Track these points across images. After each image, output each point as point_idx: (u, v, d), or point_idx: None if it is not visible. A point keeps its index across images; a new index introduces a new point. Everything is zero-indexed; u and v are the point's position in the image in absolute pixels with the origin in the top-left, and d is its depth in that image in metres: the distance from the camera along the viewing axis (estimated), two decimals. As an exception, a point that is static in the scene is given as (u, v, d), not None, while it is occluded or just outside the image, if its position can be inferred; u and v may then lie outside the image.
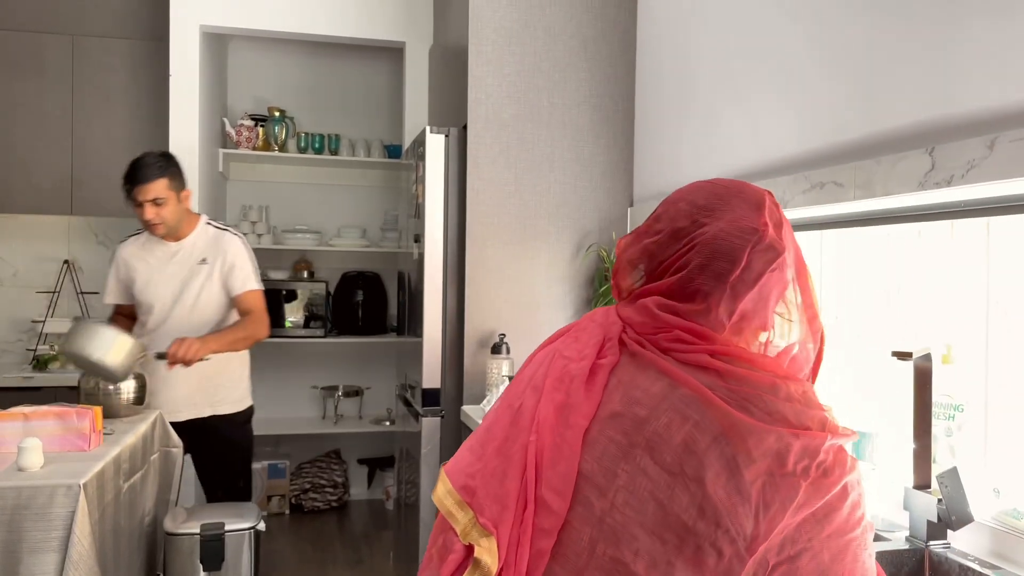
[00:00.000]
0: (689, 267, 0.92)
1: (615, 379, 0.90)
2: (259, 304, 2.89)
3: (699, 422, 0.81)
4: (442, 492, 0.98)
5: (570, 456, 0.86)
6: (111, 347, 2.52)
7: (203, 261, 2.84)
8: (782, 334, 0.94)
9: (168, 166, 2.76)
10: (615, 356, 0.92)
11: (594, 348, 0.94)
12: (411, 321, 3.19)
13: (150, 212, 2.71)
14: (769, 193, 1.00)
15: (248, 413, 3.06)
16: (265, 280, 3.10)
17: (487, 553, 0.87)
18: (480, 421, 1.13)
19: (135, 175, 2.71)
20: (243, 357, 3.01)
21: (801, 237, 2.22)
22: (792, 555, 0.79)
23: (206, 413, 2.92)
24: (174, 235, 2.83)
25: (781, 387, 0.85)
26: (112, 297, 2.94)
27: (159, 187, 2.71)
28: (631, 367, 0.90)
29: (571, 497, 0.84)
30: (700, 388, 0.83)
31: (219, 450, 3.00)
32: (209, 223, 2.92)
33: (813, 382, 0.99)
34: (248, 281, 2.87)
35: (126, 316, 2.95)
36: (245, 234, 4.34)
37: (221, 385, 2.96)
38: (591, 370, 0.92)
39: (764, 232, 0.93)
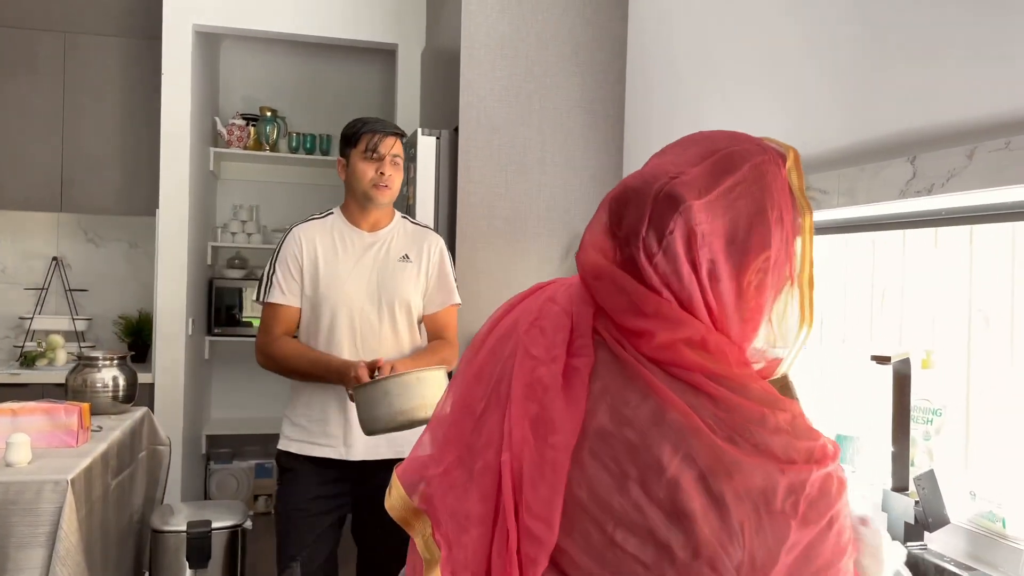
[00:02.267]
0: (605, 215, 0.86)
1: (598, 385, 0.83)
2: (455, 323, 2.36)
3: (688, 454, 0.77)
4: (396, 499, 0.91)
5: (553, 480, 0.79)
6: (434, 392, 1.93)
7: (405, 258, 2.26)
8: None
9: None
10: (590, 356, 0.84)
11: (563, 343, 0.85)
12: (400, 322, 3.20)
13: (390, 168, 2.19)
14: (776, 151, 0.89)
15: None
16: (256, 280, 3.09)
17: (434, 573, 0.82)
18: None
19: (378, 123, 2.25)
20: None
21: (786, 243, 2.24)
22: None
23: (386, 455, 2.19)
24: (374, 219, 2.26)
25: (769, 418, 0.80)
26: (283, 294, 2.19)
27: (400, 146, 2.25)
28: (614, 373, 0.83)
29: (559, 523, 0.78)
30: (690, 415, 0.78)
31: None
32: (404, 216, 2.37)
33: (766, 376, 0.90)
34: (454, 293, 2.34)
35: (288, 331, 2.23)
36: (234, 234, 4.36)
37: None
38: (565, 374, 0.83)
39: (675, 179, 0.83)
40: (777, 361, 0.89)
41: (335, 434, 2.17)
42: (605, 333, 0.85)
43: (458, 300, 2.33)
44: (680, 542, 0.75)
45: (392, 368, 2.02)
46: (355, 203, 2.24)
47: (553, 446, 0.79)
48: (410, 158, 3.00)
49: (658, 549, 0.75)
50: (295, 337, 2.24)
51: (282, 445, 2.23)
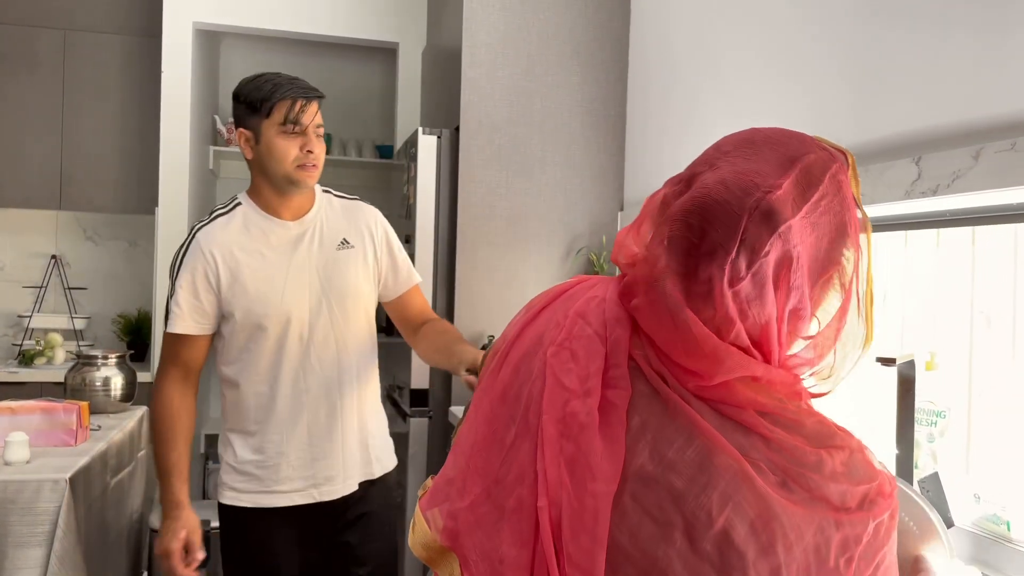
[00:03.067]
0: (679, 229, 0.75)
1: (637, 420, 0.75)
2: (427, 303, 2.04)
3: (739, 504, 0.70)
4: (420, 535, 0.84)
5: (594, 529, 0.72)
6: None
7: (344, 243, 1.89)
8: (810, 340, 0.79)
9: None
10: (627, 388, 0.76)
11: (597, 372, 0.77)
12: (400, 321, 3.19)
13: (316, 143, 1.82)
14: (840, 154, 0.81)
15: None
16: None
17: None
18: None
19: (293, 85, 1.81)
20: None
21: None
22: None
23: (356, 482, 1.90)
24: (297, 205, 1.87)
25: (826, 462, 0.74)
26: (185, 322, 1.78)
27: (319, 112, 1.85)
28: (654, 408, 0.75)
29: (603, 574, 0.71)
30: (740, 460, 0.71)
31: (375, 533, 1.93)
32: (326, 190, 1.99)
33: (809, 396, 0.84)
34: (413, 271, 1.99)
35: (191, 369, 1.85)
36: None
37: (376, 432, 1.96)
38: (601, 408, 0.75)
39: (770, 193, 0.73)
40: (824, 375, 0.82)
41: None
42: (643, 363, 0.77)
43: (419, 278, 2.00)
44: None
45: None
46: (270, 188, 1.81)
47: (594, 494, 0.72)
48: (411, 157, 2.99)
49: None
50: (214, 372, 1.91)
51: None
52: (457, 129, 2.85)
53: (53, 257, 4.19)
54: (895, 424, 1.59)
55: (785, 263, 0.74)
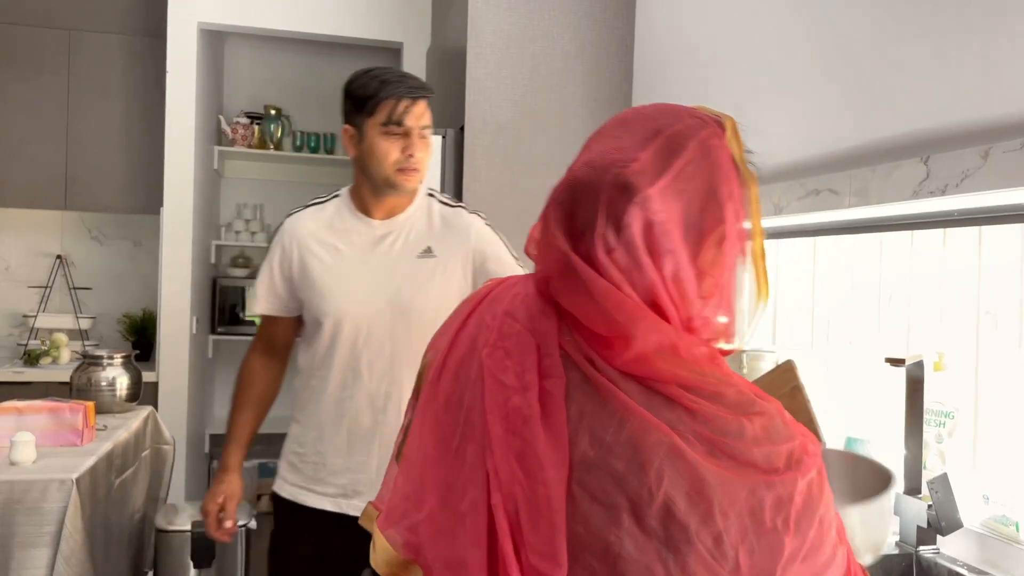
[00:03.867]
0: (554, 211, 0.82)
1: (574, 409, 0.78)
2: None
3: (674, 477, 0.73)
4: (382, 553, 0.84)
5: (551, 516, 0.74)
6: None
7: (427, 252, 1.80)
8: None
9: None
10: (561, 376, 0.79)
11: (533, 366, 0.80)
12: (405, 321, 3.19)
13: (420, 146, 1.74)
14: (713, 120, 0.84)
15: None
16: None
17: None
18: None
19: (402, 83, 1.73)
20: None
21: (796, 243, 2.24)
22: None
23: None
24: (391, 205, 1.80)
25: (747, 428, 0.77)
26: (260, 303, 1.83)
27: (429, 112, 1.78)
28: (588, 396, 0.78)
29: (566, 558, 0.74)
30: (670, 435, 0.75)
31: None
32: (432, 193, 1.89)
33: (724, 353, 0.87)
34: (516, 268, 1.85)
35: (274, 345, 1.90)
36: (238, 232, 4.35)
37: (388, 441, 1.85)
38: (540, 400, 0.78)
39: (626, 167, 0.79)
40: (728, 332, 0.86)
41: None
42: (573, 350, 0.80)
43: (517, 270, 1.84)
44: (676, 571, 0.72)
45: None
46: (368, 188, 1.78)
47: (545, 482, 0.75)
48: (416, 157, 2.99)
49: None
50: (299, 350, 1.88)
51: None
52: (462, 129, 2.85)
53: (58, 257, 4.19)
54: (903, 425, 1.59)
55: (651, 230, 0.78)
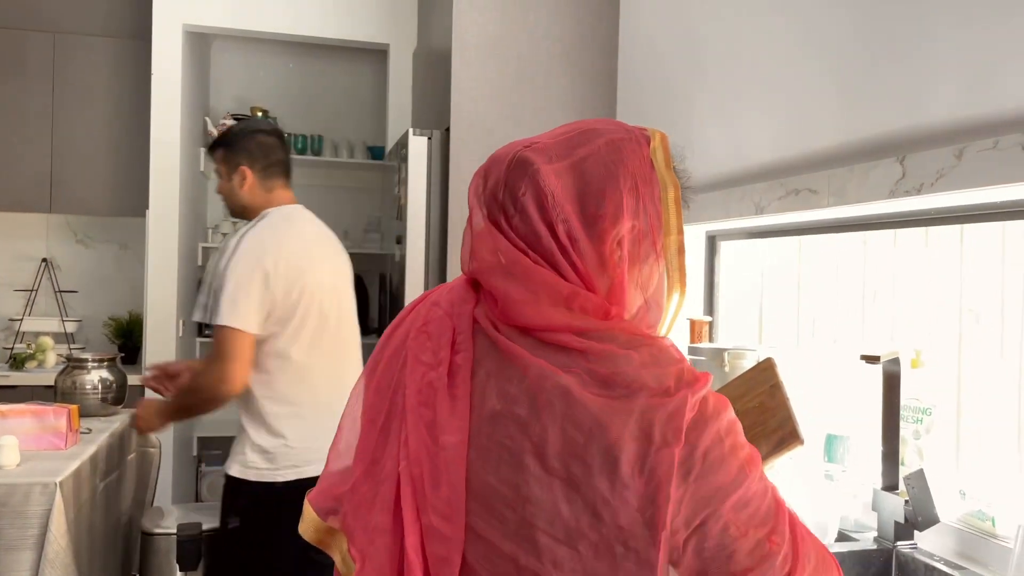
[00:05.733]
0: (475, 182, 0.93)
1: (481, 372, 0.85)
2: (219, 346, 2.04)
3: (571, 417, 0.79)
4: (308, 522, 0.93)
5: (450, 478, 0.81)
6: None
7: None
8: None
9: (230, 136, 2.28)
10: (469, 350, 0.87)
11: (447, 344, 0.88)
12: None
13: (218, 185, 2.34)
14: (641, 134, 0.93)
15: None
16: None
17: None
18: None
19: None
20: None
21: (779, 243, 2.25)
22: (698, 524, 0.78)
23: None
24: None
25: (634, 357, 0.82)
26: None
27: (218, 156, 2.30)
28: (494, 357, 0.85)
29: (465, 518, 0.80)
30: (564, 376, 0.80)
31: None
32: (259, 217, 2.23)
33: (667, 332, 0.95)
34: (217, 312, 2.05)
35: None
36: (225, 234, 4.34)
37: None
38: (449, 373, 0.85)
39: (528, 147, 0.90)
40: (647, 321, 0.92)
41: None
42: (482, 319, 0.88)
43: (221, 320, 2.02)
44: (579, 508, 0.77)
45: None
46: None
47: (444, 446, 0.82)
48: (402, 158, 2.99)
49: (565, 522, 0.77)
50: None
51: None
52: (448, 130, 2.85)
53: (44, 260, 4.17)
54: (881, 421, 1.60)
55: (543, 202, 0.86)
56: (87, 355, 2.69)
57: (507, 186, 0.88)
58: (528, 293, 0.85)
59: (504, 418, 0.81)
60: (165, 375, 2.31)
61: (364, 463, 0.88)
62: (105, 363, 2.67)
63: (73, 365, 2.64)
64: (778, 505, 0.82)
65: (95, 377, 2.63)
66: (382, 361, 0.93)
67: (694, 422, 0.79)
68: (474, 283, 0.92)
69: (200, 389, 2.07)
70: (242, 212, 2.29)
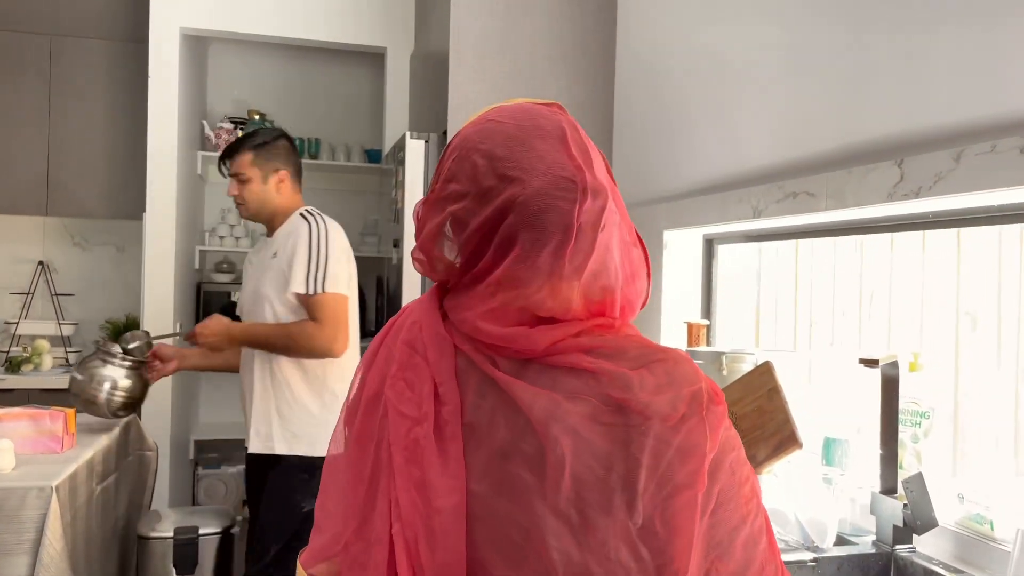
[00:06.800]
0: (520, 242, 0.79)
1: (487, 405, 0.79)
2: (319, 311, 2.28)
3: (580, 456, 0.74)
4: None
5: (446, 544, 0.76)
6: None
7: (274, 255, 2.37)
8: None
9: (258, 140, 2.40)
10: (455, 401, 0.80)
11: (429, 395, 0.81)
12: (389, 326, 3.19)
13: (234, 188, 2.40)
14: (561, 109, 0.87)
15: None
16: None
17: None
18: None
19: (233, 144, 2.42)
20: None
21: (777, 246, 2.25)
22: (708, 568, 0.75)
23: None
24: (269, 226, 2.45)
25: (647, 379, 0.76)
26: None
27: (241, 163, 2.37)
28: (495, 392, 0.79)
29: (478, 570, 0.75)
30: (573, 416, 0.75)
31: None
32: (306, 213, 2.40)
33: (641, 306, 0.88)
34: (296, 281, 2.28)
35: None
36: (222, 237, 4.33)
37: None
38: (436, 428, 0.79)
39: (583, 180, 0.80)
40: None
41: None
42: (474, 354, 0.82)
43: (297, 288, 2.27)
44: (593, 550, 0.72)
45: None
46: None
47: (439, 510, 0.76)
48: (399, 162, 2.99)
49: (577, 567, 0.73)
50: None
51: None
52: (445, 133, 2.85)
53: (40, 263, 4.16)
54: (879, 425, 1.60)
55: (456, 226, 0.84)
56: (137, 339, 2.52)
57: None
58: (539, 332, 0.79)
59: (513, 456, 0.76)
60: (156, 357, 2.53)
61: (355, 521, 0.83)
62: (130, 364, 2.45)
63: (101, 353, 2.45)
64: (771, 532, 0.81)
65: (116, 375, 2.43)
66: (360, 407, 0.87)
67: (715, 462, 0.76)
68: (443, 307, 0.87)
69: (306, 340, 2.26)
70: (271, 215, 2.41)
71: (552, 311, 0.80)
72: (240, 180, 2.36)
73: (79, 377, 2.43)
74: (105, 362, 2.43)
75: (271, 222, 2.42)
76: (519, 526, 0.75)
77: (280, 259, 2.32)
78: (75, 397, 2.42)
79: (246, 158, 2.35)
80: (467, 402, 0.81)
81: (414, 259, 0.90)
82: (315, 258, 2.29)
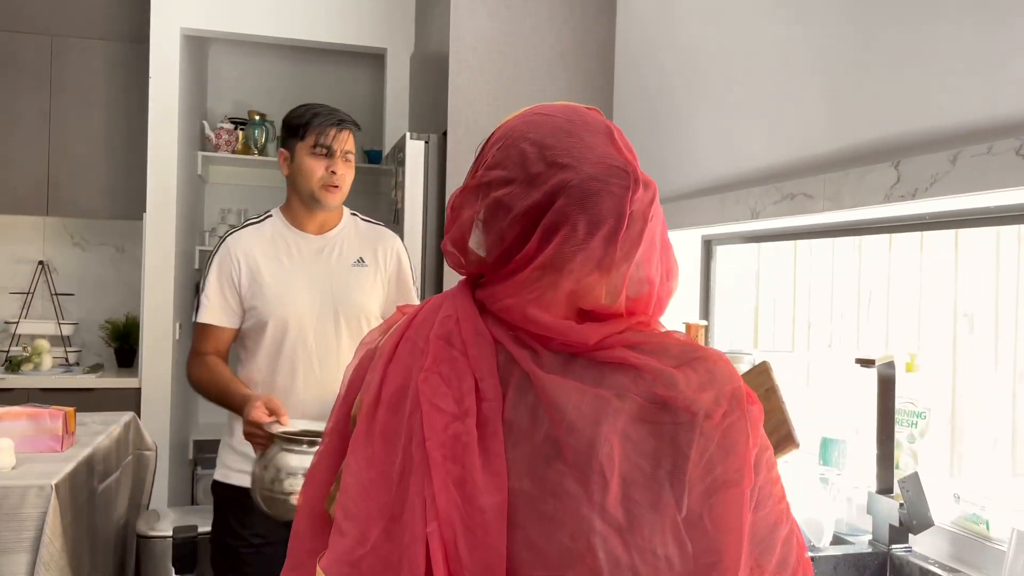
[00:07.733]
0: (571, 225, 0.77)
1: (530, 399, 0.77)
2: None
3: (628, 455, 0.73)
4: None
5: (487, 543, 0.73)
6: None
7: (360, 262, 2.06)
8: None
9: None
10: (497, 398, 0.78)
11: (470, 391, 0.78)
12: (389, 326, 3.19)
13: (342, 166, 1.98)
14: (601, 113, 0.86)
15: None
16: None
17: None
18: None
19: (330, 115, 1.99)
20: None
21: (775, 247, 2.26)
22: (753, 564, 0.77)
23: None
24: (322, 220, 2.05)
25: (691, 377, 0.76)
26: (212, 314, 1.99)
27: (352, 140, 2.03)
28: (534, 392, 0.77)
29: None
30: (619, 416, 0.74)
31: None
32: (355, 214, 2.15)
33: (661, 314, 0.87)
34: (415, 301, 2.08)
35: (220, 352, 2.03)
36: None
37: None
38: (479, 424, 0.77)
39: (634, 170, 0.79)
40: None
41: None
42: (516, 351, 0.80)
43: (415, 301, 2.08)
44: (641, 551, 0.72)
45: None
46: (300, 203, 2.01)
47: (482, 508, 0.74)
48: (399, 162, 3.00)
49: (624, 569, 0.72)
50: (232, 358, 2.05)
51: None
52: (445, 134, 2.86)
53: (40, 263, 4.17)
54: (875, 424, 1.61)
55: (500, 211, 0.80)
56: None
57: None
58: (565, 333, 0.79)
59: (556, 455, 0.75)
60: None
61: (382, 520, 0.79)
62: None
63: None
64: (800, 530, 0.83)
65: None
66: (383, 402, 0.83)
67: (756, 459, 0.77)
68: (477, 300, 0.84)
69: None
70: (340, 209, 2.11)
71: (598, 299, 0.80)
72: (346, 160, 1.99)
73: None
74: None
75: (329, 217, 2.06)
76: (564, 526, 0.73)
77: (377, 268, 2.06)
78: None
79: (352, 137, 2.02)
80: (507, 399, 0.78)
81: (445, 251, 0.87)
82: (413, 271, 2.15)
